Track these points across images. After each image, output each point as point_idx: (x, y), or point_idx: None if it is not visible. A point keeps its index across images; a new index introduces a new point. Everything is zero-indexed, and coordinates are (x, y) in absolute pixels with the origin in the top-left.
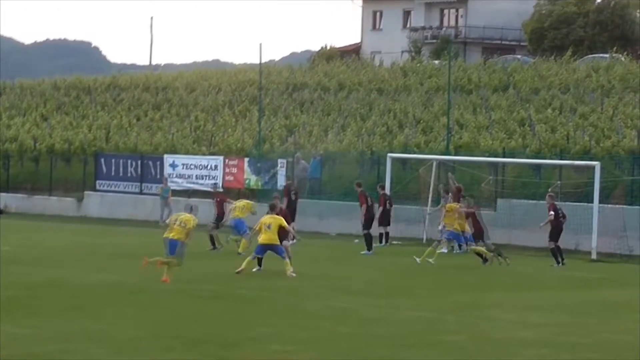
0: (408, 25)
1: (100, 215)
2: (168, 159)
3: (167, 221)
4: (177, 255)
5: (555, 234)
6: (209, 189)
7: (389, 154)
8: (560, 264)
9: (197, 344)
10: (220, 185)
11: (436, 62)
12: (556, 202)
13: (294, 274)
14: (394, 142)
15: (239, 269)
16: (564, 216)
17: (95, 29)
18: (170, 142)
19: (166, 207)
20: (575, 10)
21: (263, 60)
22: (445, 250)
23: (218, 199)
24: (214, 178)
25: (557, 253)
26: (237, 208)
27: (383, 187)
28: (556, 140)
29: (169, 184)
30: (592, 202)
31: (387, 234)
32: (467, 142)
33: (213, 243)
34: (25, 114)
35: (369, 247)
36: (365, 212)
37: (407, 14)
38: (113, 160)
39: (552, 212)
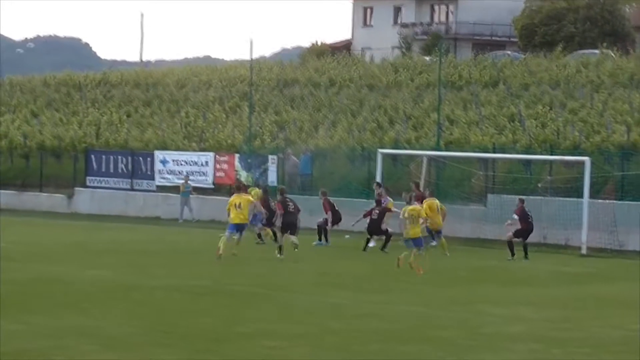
0: (398, 22)
1: (90, 212)
2: (158, 155)
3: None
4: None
5: (522, 233)
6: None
7: (380, 150)
8: (513, 258)
9: (189, 340)
10: (211, 181)
11: (427, 58)
12: (548, 197)
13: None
14: (384, 138)
15: (219, 252)
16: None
17: (85, 25)
18: (160, 139)
19: (186, 206)
20: (565, 6)
21: (253, 57)
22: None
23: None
24: (204, 174)
25: (512, 246)
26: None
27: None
28: (546, 136)
29: (164, 178)
30: (582, 197)
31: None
32: (458, 137)
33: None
34: (15, 110)
35: (320, 238)
36: (332, 217)
37: (397, 10)
38: (103, 157)
39: (516, 216)
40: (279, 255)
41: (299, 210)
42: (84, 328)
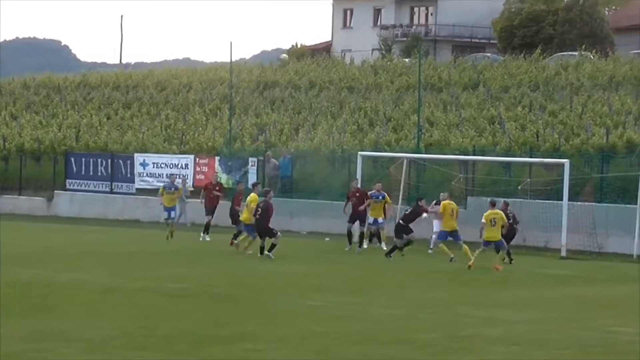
0: (378, 23)
1: (70, 215)
2: (138, 157)
3: None
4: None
5: (505, 237)
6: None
7: (360, 152)
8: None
9: (169, 343)
10: (191, 183)
11: (406, 60)
12: (528, 199)
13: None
14: (364, 140)
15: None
16: (515, 221)
17: (65, 27)
18: (140, 141)
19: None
20: (545, 8)
21: (234, 59)
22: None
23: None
24: (184, 177)
25: (509, 252)
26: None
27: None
28: (526, 138)
29: (144, 181)
30: (561, 199)
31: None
32: (438, 140)
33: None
34: None
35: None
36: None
37: (377, 12)
38: (83, 160)
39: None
40: (268, 255)
41: (269, 214)
42: (63, 331)
